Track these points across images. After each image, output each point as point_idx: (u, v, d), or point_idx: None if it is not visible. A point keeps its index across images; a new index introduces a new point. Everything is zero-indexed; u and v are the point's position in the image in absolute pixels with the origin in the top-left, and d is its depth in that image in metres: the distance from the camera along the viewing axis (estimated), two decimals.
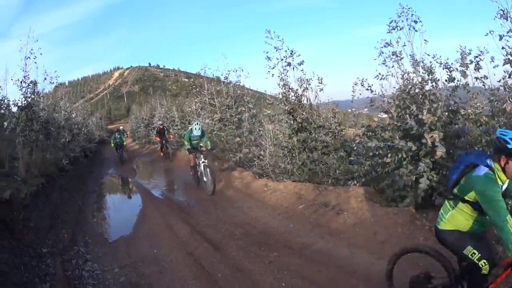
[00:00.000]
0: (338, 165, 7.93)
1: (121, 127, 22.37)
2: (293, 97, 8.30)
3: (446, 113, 5.01)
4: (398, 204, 5.33)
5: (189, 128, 10.07)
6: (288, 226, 6.08)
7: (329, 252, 4.93)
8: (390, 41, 5.58)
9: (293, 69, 8.15)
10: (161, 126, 17.91)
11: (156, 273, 4.95)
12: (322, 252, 4.96)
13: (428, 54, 5.40)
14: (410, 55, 5.50)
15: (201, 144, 10.11)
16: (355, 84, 6.20)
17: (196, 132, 9.67)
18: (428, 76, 5.39)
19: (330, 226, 5.61)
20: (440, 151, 4.76)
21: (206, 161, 9.35)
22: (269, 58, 8.17)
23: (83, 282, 4.72)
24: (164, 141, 17.72)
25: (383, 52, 5.71)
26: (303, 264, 4.67)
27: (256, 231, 6.19)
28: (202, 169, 9.32)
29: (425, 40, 5.32)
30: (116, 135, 18.32)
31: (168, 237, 6.42)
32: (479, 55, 5.16)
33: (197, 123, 9.73)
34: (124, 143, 19.08)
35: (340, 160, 8.12)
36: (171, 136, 17.60)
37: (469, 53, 5.36)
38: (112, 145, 18.51)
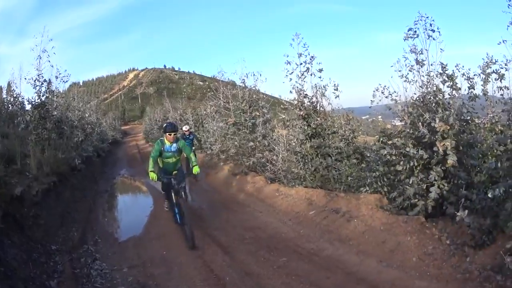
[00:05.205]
0: (351, 172, 7.88)
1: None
2: (308, 103, 8.16)
3: (458, 122, 4.97)
4: (408, 213, 5.29)
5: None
6: (299, 232, 6.04)
7: (338, 258, 4.92)
8: (415, 47, 5.53)
9: (311, 75, 7.99)
10: (187, 133, 11.18)
11: (165, 274, 4.93)
12: (331, 258, 4.95)
13: (442, 64, 5.36)
14: (431, 64, 5.45)
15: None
16: (376, 90, 6.06)
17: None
18: (450, 84, 5.33)
19: (340, 233, 5.59)
20: (452, 160, 4.72)
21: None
22: (288, 63, 7.98)
23: (91, 280, 4.69)
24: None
25: (406, 58, 5.63)
26: (312, 270, 4.67)
27: (266, 235, 6.14)
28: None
29: (441, 49, 5.29)
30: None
31: (178, 239, 6.37)
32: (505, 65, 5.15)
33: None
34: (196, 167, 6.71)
35: (353, 167, 8.06)
36: None
37: (495, 62, 5.33)
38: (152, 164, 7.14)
